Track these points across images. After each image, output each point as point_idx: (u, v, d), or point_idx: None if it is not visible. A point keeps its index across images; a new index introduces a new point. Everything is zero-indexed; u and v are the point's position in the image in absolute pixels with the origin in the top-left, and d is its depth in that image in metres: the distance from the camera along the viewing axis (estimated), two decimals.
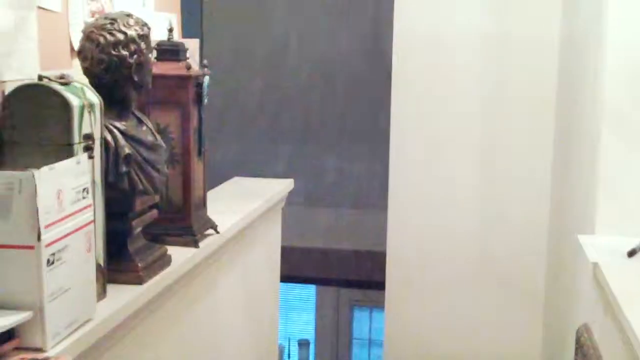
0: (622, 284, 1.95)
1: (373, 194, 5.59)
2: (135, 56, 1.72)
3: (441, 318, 3.57)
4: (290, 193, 3.10)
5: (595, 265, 2.13)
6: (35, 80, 1.50)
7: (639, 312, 1.75)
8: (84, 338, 1.43)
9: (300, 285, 8.64)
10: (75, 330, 1.42)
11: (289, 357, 9.42)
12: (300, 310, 9.66)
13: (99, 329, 1.49)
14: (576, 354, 2.24)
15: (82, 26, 1.81)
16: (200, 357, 2.21)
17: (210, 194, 2.28)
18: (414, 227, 3.56)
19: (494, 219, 3.49)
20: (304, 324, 9.57)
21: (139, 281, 1.70)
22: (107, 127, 1.65)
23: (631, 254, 2.15)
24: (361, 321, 9.29)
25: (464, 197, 3.51)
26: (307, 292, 9.39)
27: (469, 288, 3.52)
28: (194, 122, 2.05)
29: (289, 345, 9.36)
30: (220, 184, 2.99)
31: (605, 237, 2.35)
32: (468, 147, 3.48)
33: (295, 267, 6.42)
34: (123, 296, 1.63)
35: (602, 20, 2.41)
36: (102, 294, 1.58)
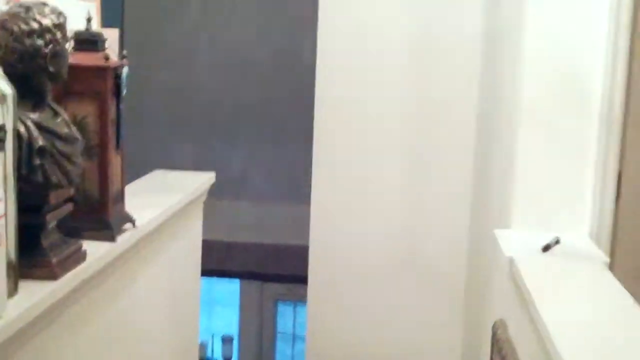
0: (536, 279, 2.00)
1: (298, 189, 5.62)
2: (50, 46, 1.68)
3: (363, 314, 3.59)
4: (214, 187, 3.07)
5: (511, 260, 2.17)
6: None
7: (551, 307, 1.79)
8: None
9: (224, 279, 8.59)
10: None
11: (212, 352, 9.35)
12: (224, 305, 9.60)
13: (10, 327, 1.45)
14: (492, 348, 2.28)
15: None
16: (118, 353, 2.18)
17: (129, 188, 2.24)
18: (337, 223, 3.57)
19: (416, 217, 3.53)
20: (228, 320, 9.51)
21: (53, 276, 1.65)
22: (20, 119, 1.61)
23: (546, 248, 2.21)
24: (285, 316, 9.29)
25: (386, 195, 3.54)
26: (231, 287, 9.33)
27: (392, 285, 3.55)
28: (112, 114, 2.01)
29: (212, 341, 9.29)
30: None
31: (521, 232, 2.40)
32: (391, 145, 3.51)
33: (219, 262, 6.40)
34: (36, 292, 1.58)
35: (522, 15, 2.45)
36: (13, 290, 1.53)
